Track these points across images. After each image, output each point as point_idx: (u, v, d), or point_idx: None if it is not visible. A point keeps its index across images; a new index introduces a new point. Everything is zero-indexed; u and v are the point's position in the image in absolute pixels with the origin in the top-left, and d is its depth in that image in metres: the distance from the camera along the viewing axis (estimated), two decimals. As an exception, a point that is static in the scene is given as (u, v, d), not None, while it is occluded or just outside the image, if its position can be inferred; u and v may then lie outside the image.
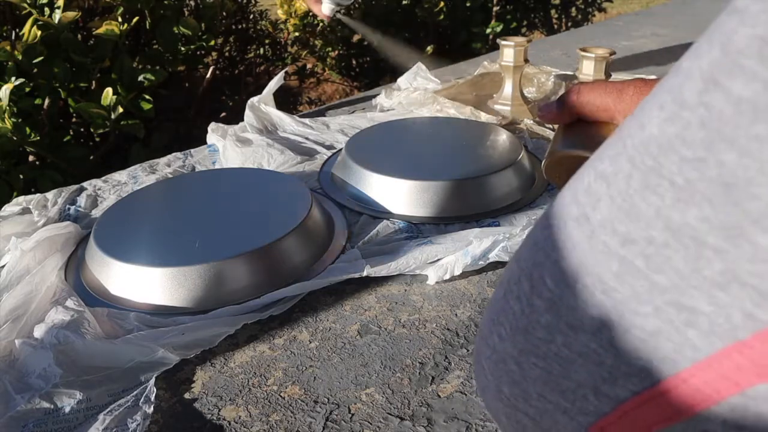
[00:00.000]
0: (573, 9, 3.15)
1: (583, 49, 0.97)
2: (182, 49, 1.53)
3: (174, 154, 0.98)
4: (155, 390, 0.50)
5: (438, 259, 0.65)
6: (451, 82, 1.17)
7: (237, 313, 0.59)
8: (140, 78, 1.38)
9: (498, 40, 1.05)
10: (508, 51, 1.04)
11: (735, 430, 0.14)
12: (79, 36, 1.49)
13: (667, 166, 0.14)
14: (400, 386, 0.52)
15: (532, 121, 1.01)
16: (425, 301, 0.62)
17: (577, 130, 0.36)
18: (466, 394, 0.51)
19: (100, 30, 1.27)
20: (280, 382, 0.53)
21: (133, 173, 0.91)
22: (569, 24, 3.14)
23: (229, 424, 0.49)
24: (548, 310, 0.17)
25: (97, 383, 0.51)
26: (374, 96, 1.20)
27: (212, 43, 1.65)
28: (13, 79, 1.21)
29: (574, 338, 0.16)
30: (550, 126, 0.99)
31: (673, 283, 0.14)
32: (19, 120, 1.21)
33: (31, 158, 1.39)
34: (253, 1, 2.38)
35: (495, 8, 2.73)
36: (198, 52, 1.72)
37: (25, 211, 0.80)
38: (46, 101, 1.32)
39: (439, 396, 0.51)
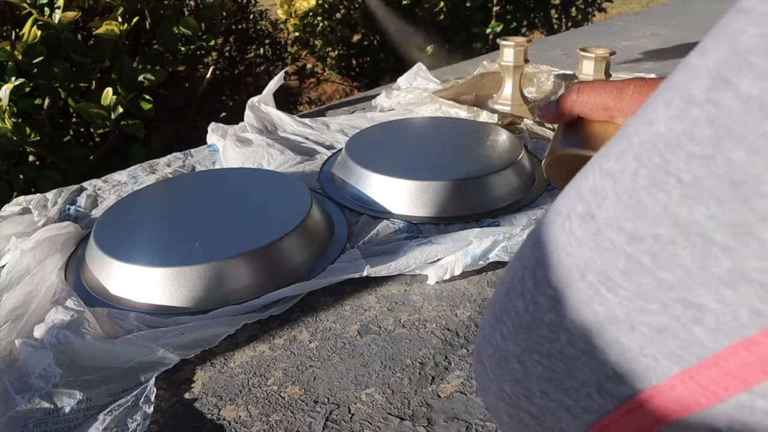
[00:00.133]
0: (573, 9, 3.15)
1: (583, 49, 0.97)
2: (182, 49, 1.53)
3: (174, 154, 0.98)
4: (155, 390, 0.50)
5: (438, 259, 0.65)
6: (451, 82, 1.17)
7: (237, 313, 0.59)
8: (140, 78, 1.38)
9: (498, 40, 1.05)
10: (508, 51, 1.04)
11: (741, 427, 0.14)
12: (79, 36, 1.49)
13: (675, 163, 0.14)
14: (400, 386, 0.52)
15: (532, 121, 1.01)
16: (425, 301, 0.62)
17: (577, 129, 0.36)
18: (466, 394, 0.50)
19: (100, 30, 1.27)
20: (280, 382, 0.53)
21: (133, 173, 0.91)
22: (569, 24, 3.14)
23: (229, 424, 0.49)
24: (553, 307, 0.17)
25: (97, 383, 0.51)
26: (374, 96, 1.20)
27: (212, 43, 1.65)
28: (13, 79, 1.21)
29: (579, 336, 0.16)
30: (550, 126, 0.99)
31: (680, 280, 0.14)
32: (19, 120, 1.21)
33: (31, 158, 1.39)
34: (253, 1, 2.38)
35: (495, 8, 2.73)
36: (198, 52, 1.72)
37: (25, 211, 0.79)
38: (46, 101, 1.32)
39: (439, 396, 0.50)
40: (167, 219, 0.72)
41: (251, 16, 2.43)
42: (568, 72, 1.16)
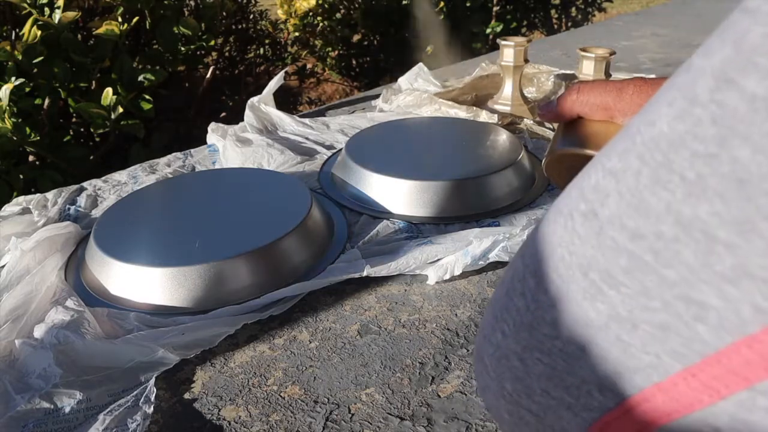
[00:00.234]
0: (573, 9, 3.15)
1: (583, 49, 0.97)
2: (182, 49, 1.53)
3: (174, 154, 0.98)
4: (155, 390, 0.50)
5: (438, 259, 0.65)
6: (451, 86, 1.17)
7: (237, 313, 0.59)
8: (140, 78, 1.38)
9: (498, 40, 1.05)
10: (508, 51, 1.04)
11: (742, 425, 0.14)
12: (79, 36, 1.49)
13: (678, 162, 0.14)
14: (400, 386, 0.52)
15: (532, 121, 1.01)
16: (425, 301, 0.62)
17: (577, 129, 0.36)
18: (466, 394, 0.50)
19: (100, 30, 1.27)
20: (280, 382, 0.53)
21: (133, 173, 0.91)
22: (569, 24, 3.14)
23: (229, 424, 0.49)
24: (554, 305, 0.17)
25: (97, 383, 0.51)
26: (374, 96, 1.20)
27: (212, 43, 1.65)
28: (13, 79, 1.21)
29: (580, 334, 0.16)
30: (550, 126, 0.99)
31: (682, 277, 0.14)
32: (19, 120, 1.21)
33: (31, 158, 1.39)
34: (253, 1, 2.38)
35: (495, 8, 2.73)
36: (198, 52, 1.72)
37: (25, 211, 0.79)
38: (46, 101, 1.32)
39: (439, 396, 0.50)
40: (167, 219, 0.72)
41: (251, 16, 2.43)
42: (568, 72, 1.16)
